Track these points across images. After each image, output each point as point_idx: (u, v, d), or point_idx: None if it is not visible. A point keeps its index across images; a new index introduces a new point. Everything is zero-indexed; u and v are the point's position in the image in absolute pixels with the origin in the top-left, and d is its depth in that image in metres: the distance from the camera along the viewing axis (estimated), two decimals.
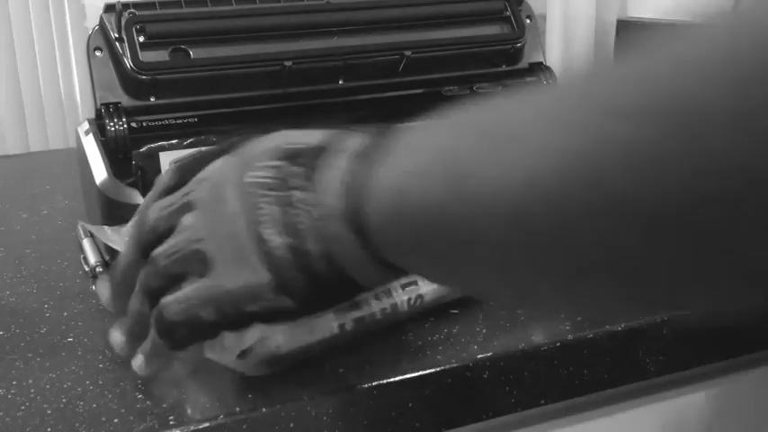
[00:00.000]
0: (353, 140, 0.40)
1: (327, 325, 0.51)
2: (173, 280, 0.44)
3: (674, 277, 0.30)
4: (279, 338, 0.49)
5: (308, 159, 0.40)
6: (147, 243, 0.45)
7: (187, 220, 0.43)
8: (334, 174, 0.39)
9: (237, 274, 0.41)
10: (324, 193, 0.39)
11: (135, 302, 0.46)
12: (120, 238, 0.56)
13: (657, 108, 0.27)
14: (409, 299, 0.54)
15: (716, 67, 0.26)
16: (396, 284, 0.54)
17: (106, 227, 0.57)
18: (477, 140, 0.34)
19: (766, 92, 0.25)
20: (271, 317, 0.42)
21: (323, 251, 0.39)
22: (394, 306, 0.54)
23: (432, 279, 0.45)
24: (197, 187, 0.44)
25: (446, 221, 0.34)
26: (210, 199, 0.43)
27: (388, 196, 0.37)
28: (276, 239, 0.40)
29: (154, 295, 0.44)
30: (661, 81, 0.27)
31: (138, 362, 0.47)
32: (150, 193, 0.48)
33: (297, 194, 0.40)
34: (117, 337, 0.48)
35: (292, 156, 0.41)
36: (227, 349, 0.49)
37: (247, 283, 0.41)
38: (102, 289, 0.53)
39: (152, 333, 0.45)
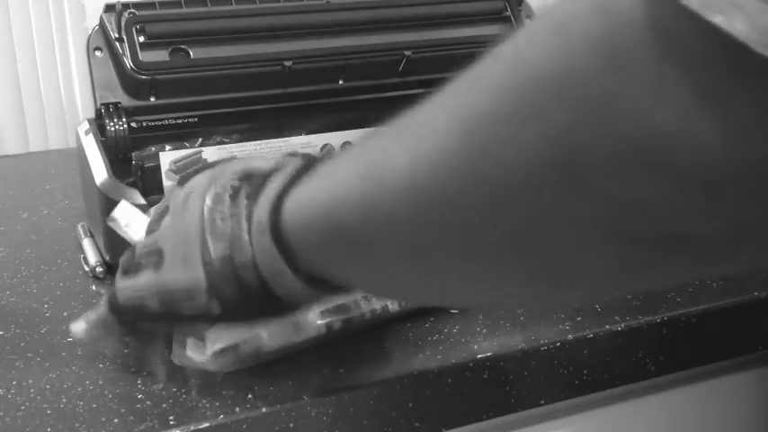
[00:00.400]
0: (295, 162, 0.43)
1: (314, 325, 0.51)
2: (138, 268, 0.48)
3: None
4: (264, 337, 0.49)
5: (258, 180, 0.44)
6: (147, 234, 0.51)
7: (164, 221, 0.48)
8: (268, 192, 0.42)
9: (181, 274, 0.45)
10: (258, 208, 0.43)
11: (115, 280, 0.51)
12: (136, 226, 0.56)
13: (517, 86, 0.29)
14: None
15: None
16: None
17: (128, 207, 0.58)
18: (389, 137, 0.36)
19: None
20: (203, 320, 0.46)
21: (251, 262, 0.43)
22: (384, 307, 0.53)
23: (358, 286, 0.46)
24: (176, 194, 0.49)
25: (357, 216, 0.37)
26: (180, 205, 0.47)
27: (303, 207, 0.40)
28: (216, 248, 0.43)
29: (123, 275, 0.50)
30: (522, 61, 0.29)
31: (78, 327, 0.51)
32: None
33: (242, 210, 0.44)
34: (80, 324, 0.52)
35: (247, 176, 0.45)
36: (196, 352, 0.50)
37: (185, 284, 0.45)
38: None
39: (103, 307, 0.50)
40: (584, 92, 0.27)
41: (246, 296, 0.44)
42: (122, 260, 0.50)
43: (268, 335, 0.49)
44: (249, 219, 0.43)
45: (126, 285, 0.48)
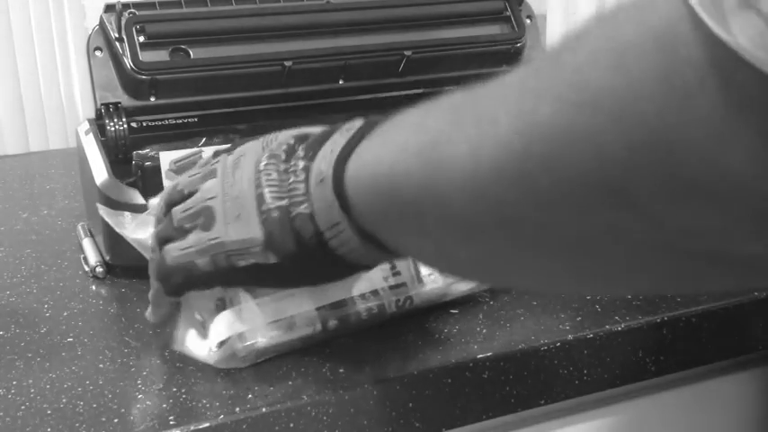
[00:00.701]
0: (354, 123, 0.44)
1: (309, 322, 0.51)
2: (183, 232, 0.48)
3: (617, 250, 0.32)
4: (257, 333, 0.49)
5: (315, 138, 0.45)
6: (173, 202, 0.49)
7: (207, 184, 0.48)
8: (329, 146, 0.43)
9: (235, 229, 0.45)
10: (318, 161, 0.43)
11: (151, 255, 0.51)
12: (137, 225, 0.56)
13: (585, 96, 0.29)
14: (398, 300, 0.54)
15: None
16: (384, 285, 0.54)
17: (127, 213, 0.58)
18: (450, 119, 0.37)
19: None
20: (258, 276, 0.46)
21: (309, 211, 0.43)
22: (381, 306, 0.53)
23: (408, 253, 0.46)
24: (222, 158, 0.49)
25: (416, 191, 0.37)
26: (230, 166, 0.47)
27: (367, 165, 0.41)
28: (273, 202, 0.44)
29: (166, 240, 0.49)
30: (586, 72, 0.29)
31: (149, 313, 0.53)
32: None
33: (300, 164, 0.44)
34: (149, 309, 0.54)
35: (302, 137, 0.46)
36: (198, 343, 0.50)
37: (241, 237, 0.45)
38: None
39: (158, 276, 0.49)
40: (644, 122, 0.27)
41: (302, 248, 0.44)
42: (157, 231, 0.50)
43: (263, 332, 0.50)
44: (307, 171, 0.44)
45: (174, 246, 0.48)
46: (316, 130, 0.46)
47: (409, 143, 0.39)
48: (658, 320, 0.55)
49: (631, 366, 0.55)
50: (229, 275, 0.47)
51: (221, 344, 0.49)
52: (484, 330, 0.54)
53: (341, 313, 0.52)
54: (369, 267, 0.48)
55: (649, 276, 0.34)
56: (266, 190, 0.44)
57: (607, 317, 0.55)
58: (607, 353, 0.54)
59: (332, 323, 0.52)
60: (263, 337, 0.50)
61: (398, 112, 0.41)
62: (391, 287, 0.54)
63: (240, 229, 0.45)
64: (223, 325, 0.49)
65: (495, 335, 0.54)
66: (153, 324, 0.54)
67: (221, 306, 0.50)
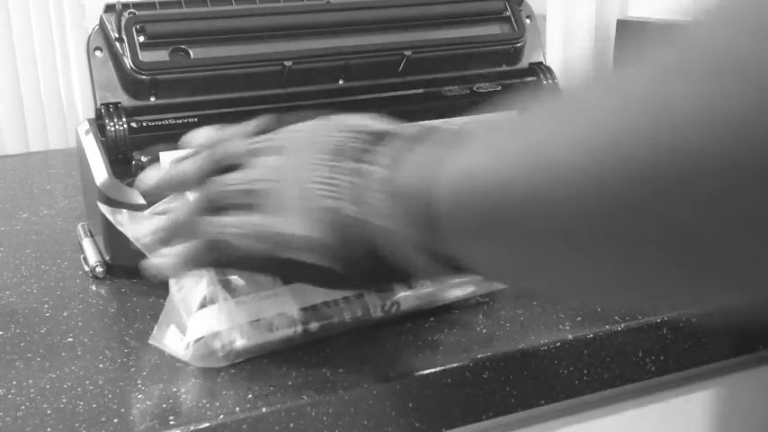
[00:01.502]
0: (438, 132, 0.42)
1: (290, 324, 0.51)
2: (232, 207, 0.46)
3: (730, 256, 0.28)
4: (234, 333, 0.49)
5: (390, 141, 0.43)
6: (222, 165, 0.48)
7: (271, 160, 0.46)
8: (413, 158, 0.41)
9: (292, 221, 0.43)
10: (397, 173, 0.41)
11: (186, 206, 0.48)
12: (135, 225, 0.56)
13: (725, 71, 0.26)
14: (383, 304, 0.53)
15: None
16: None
17: (125, 211, 0.58)
18: (551, 119, 0.34)
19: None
20: (307, 274, 0.45)
21: (392, 230, 0.41)
22: (365, 310, 0.53)
23: (490, 269, 0.42)
24: (290, 135, 0.47)
25: (518, 197, 0.34)
26: (297, 148, 0.45)
27: (460, 177, 0.38)
28: (333, 203, 0.42)
29: (211, 210, 0.47)
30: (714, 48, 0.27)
31: (164, 261, 0.50)
32: (235, 128, 0.50)
33: (369, 168, 0.42)
34: (166, 259, 0.50)
35: (378, 135, 0.44)
36: (176, 341, 0.50)
37: (305, 234, 0.43)
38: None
39: (198, 243, 0.47)
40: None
41: (371, 260, 0.42)
42: (214, 194, 0.47)
43: (242, 332, 0.50)
44: (390, 184, 0.41)
45: (227, 221, 0.46)
46: (381, 125, 0.44)
47: (509, 150, 0.35)
48: (658, 320, 0.55)
49: (631, 366, 0.55)
50: (273, 266, 0.46)
51: (198, 341, 0.49)
52: (484, 330, 0.54)
53: (323, 316, 0.52)
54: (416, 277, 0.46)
55: (747, 276, 0.29)
56: (329, 188, 0.42)
57: (607, 317, 0.55)
58: (607, 353, 0.54)
59: (313, 325, 0.51)
60: (241, 337, 0.50)
61: (492, 122, 0.38)
62: (377, 290, 0.53)
63: (296, 222, 0.43)
64: (200, 322, 0.49)
65: (495, 335, 0.54)
66: (153, 318, 0.54)
67: (204, 304, 0.50)
